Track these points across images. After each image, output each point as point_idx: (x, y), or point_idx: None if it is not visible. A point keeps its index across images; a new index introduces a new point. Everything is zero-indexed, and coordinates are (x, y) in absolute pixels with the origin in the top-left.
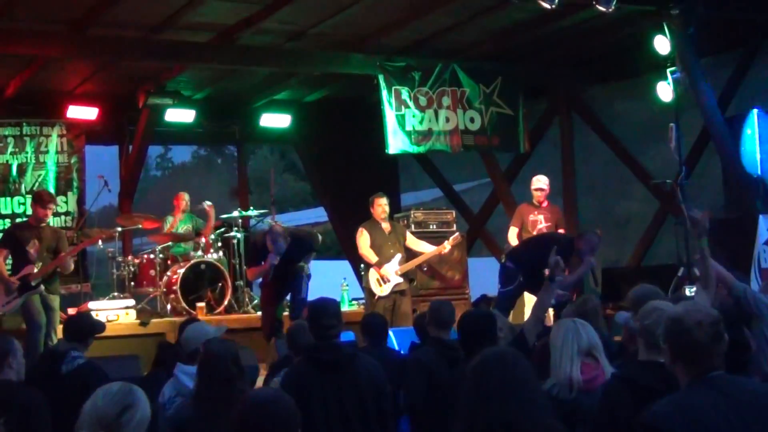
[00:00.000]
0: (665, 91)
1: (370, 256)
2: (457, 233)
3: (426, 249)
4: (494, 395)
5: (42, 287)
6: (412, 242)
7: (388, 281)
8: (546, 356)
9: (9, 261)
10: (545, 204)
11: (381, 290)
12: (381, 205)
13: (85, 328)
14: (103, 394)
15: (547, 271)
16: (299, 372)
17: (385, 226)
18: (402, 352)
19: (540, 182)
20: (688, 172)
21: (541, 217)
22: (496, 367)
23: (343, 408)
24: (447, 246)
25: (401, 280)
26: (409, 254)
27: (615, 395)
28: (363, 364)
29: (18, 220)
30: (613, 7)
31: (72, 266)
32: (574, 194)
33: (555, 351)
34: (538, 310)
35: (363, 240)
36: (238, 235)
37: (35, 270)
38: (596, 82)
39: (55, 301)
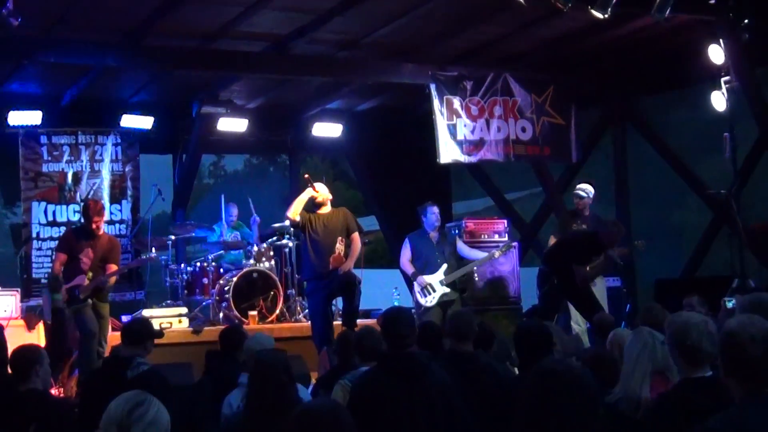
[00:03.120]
0: (719, 101)
1: (408, 268)
2: (506, 241)
3: (476, 256)
4: (551, 410)
5: (90, 301)
6: (463, 249)
7: (434, 291)
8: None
9: None
10: (587, 213)
11: (427, 301)
12: (433, 213)
13: (143, 332)
14: (116, 399)
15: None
16: (371, 380)
17: (433, 235)
18: None
19: (580, 189)
20: (742, 182)
21: (584, 227)
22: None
23: (414, 419)
24: (497, 253)
25: (448, 290)
26: (460, 262)
27: (661, 415)
28: (436, 375)
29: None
30: (666, 16)
31: (113, 281)
32: (627, 204)
33: (629, 362)
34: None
35: (404, 252)
36: (290, 244)
37: (86, 282)
38: (650, 91)
39: (105, 309)
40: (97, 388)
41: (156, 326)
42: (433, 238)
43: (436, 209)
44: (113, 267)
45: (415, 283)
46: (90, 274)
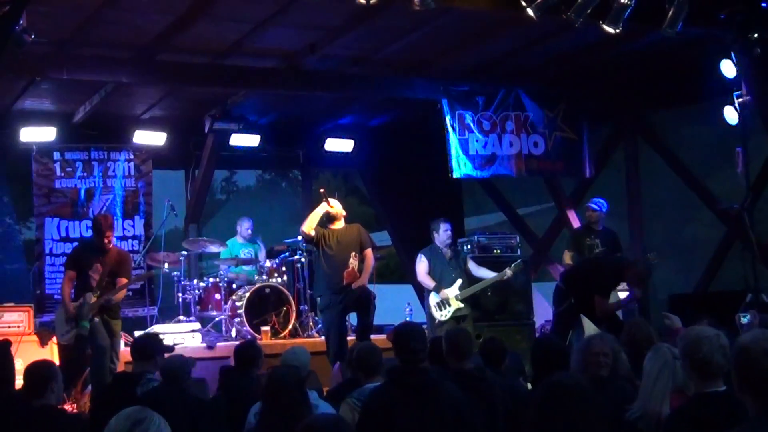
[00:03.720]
0: (732, 115)
1: (428, 281)
2: (519, 260)
3: (486, 275)
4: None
5: (96, 320)
6: (473, 268)
7: (449, 306)
8: None
9: None
10: (600, 227)
11: (442, 315)
12: (445, 231)
13: (152, 348)
14: (116, 417)
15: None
16: (383, 394)
17: (446, 251)
18: None
19: (592, 203)
20: (755, 196)
21: (597, 241)
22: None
23: None
24: (508, 272)
25: (462, 305)
26: (471, 280)
27: (676, 430)
28: (447, 391)
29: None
30: (678, 31)
31: (120, 297)
32: (639, 219)
33: (648, 380)
34: None
35: (421, 266)
36: (303, 259)
37: (93, 299)
38: (662, 106)
39: (117, 325)
40: (107, 405)
41: (169, 342)
42: (446, 254)
43: (449, 226)
44: (123, 281)
45: (432, 296)
46: (98, 292)
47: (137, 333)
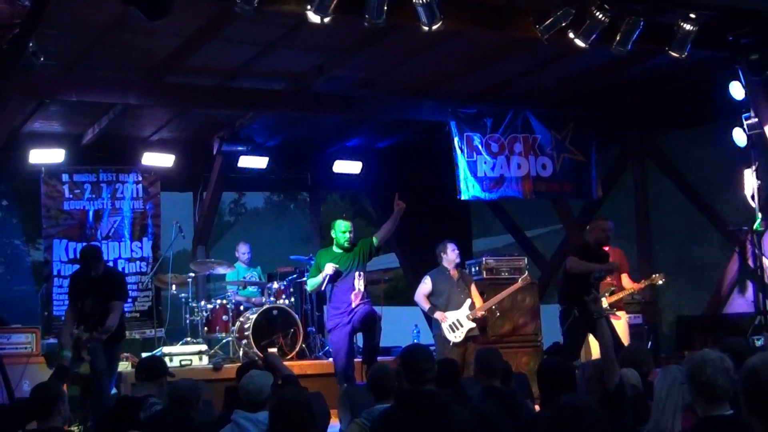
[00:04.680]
0: (741, 137)
1: (423, 303)
2: (526, 273)
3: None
4: None
5: (88, 357)
6: (474, 295)
7: (462, 327)
8: None
9: None
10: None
11: (455, 336)
12: (453, 251)
13: (158, 369)
14: None
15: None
16: (392, 417)
17: (454, 272)
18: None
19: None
20: (764, 218)
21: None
22: (567, 417)
23: None
24: (520, 282)
25: (473, 325)
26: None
27: None
28: (456, 414)
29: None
30: (686, 53)
31: (113, 328)
32: (648, 241)
33: (659, 400)
34: (605, 352)
35: (422, 287)
36: None
37: (84, 337)
38: (670, 127)
39: (116, 349)
40: (110, 429)
41: (176, 363)
42: (454, 276)
43: (455, 245)
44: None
45: (436, 318)
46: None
47: (144, 355)
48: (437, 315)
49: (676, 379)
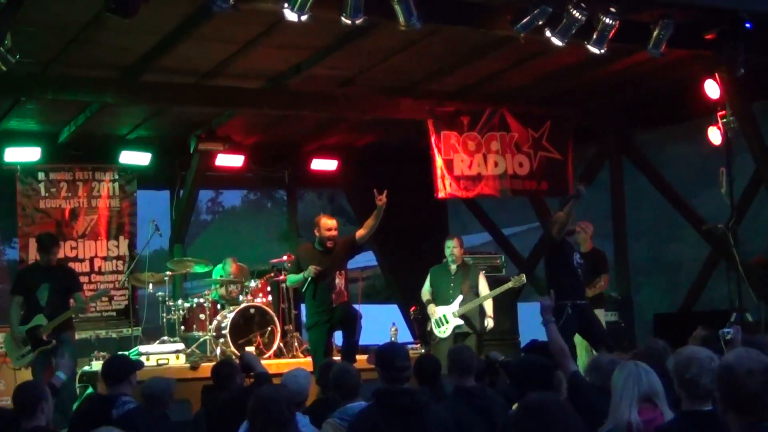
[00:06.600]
0: (716, 135)
1: (423, 297)
2: (522, 274)
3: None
4: None
5: (54, 342)
6: (482, 287)
7: (447, 323)
8: None
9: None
10: (590, 247)
11: (440, 332)
12: (448, 248)
13: (124, 369)
14: None
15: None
16: (371, 416)
17: (453, 267)
18: None
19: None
20: (739, 216)
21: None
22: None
23: None
24: (510, 285)
25: (461, 321)
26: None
27: None
28: (434, 412)
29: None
30: (662, 52)
31: (89, 307)
32: (624, 239)
33: (615, 394)
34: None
35: (426, 283)
36: None
37: (45, 322)
38: (646, 125)
39: (69, 334)
40: (83, 428)
41: (153, 363)
42: (452, 270)
43: (451, 243)
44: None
45: (432, 313)
46: (47, 320)
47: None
48: (428, 309)
49: (631, 372)
